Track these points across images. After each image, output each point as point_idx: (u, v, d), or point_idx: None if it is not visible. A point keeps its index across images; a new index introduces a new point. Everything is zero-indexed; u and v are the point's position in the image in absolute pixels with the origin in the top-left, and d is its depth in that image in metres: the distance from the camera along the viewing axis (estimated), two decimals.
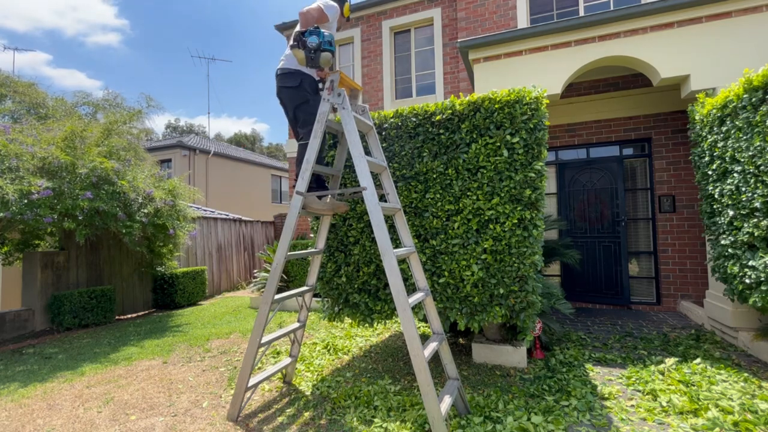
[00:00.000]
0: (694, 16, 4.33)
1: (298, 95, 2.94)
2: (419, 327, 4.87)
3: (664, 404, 2.66)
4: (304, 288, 3.17)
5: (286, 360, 3.26)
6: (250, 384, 2.72)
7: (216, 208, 13.15)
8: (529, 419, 2.50)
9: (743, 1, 4.16)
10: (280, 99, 3.07)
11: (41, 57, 70.20)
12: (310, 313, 5.97)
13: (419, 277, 2.70)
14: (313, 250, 3.20)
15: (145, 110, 6.79)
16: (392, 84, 8.51)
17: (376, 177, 3.19)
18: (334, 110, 2.70)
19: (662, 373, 3.19)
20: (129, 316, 6.80)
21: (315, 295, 6.01)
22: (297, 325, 3.20)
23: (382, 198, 2.84)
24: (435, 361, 3.57)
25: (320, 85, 2.90)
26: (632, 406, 2.71)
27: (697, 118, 4.10)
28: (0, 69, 6.66)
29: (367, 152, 3.01)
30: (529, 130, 3.01)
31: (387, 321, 3.72)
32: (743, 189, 3.29)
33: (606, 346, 4.05)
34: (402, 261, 3.17)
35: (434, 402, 2.14)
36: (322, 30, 2.62)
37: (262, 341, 2.75)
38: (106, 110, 6.83)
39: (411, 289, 3.20)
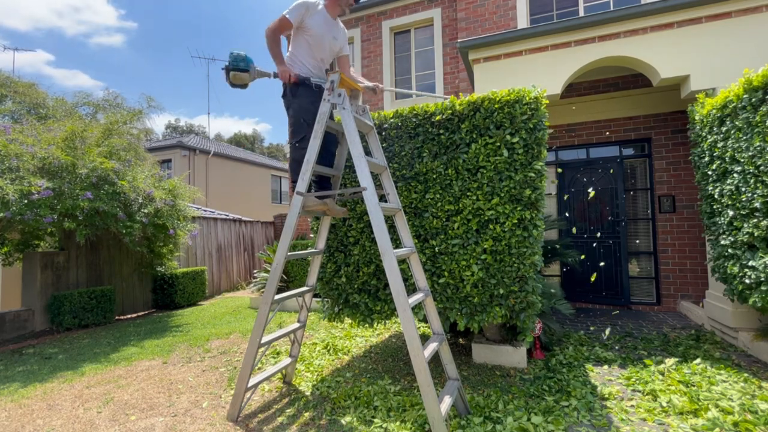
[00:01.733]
0: (693, 17, 4.33)
1: (285, 102, 3.07)
2: (419, 327, 4.87)
3: (664, 404, 2.66)
4: (304, 288, 3.17)
5: (286, 360, 3.26)
6: (250, 384, 2.72)
7: (216, 209, 13.15)
8: (529, 419, 2.50)
9: (743, 2, 4.16)
10: None
11: (44, 57, 70.29)
12: (310, 314, 5.97)
13: (419, 277, 2.70)
14: (313, 250, 3.20)
15: (146, 110, 6.81)
16: (392, 84, 8.51)
17: (376, 177, 3.19)
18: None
19: (662, 374, 3.19)
20: (129, 316, 6.80)
21: (315, 296, 6.00)
22: (297, 325, 3.19)
23: (383, 198, 2.84)
24: (435, 361, 3.57)
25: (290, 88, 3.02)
26: (632, 406, 2.71)
27: (696, 118, 4.10)
28: (0, 69, 6.67)
29: (367, 152, 3.01)
30: (529, 130, 3.01)
31: (387, 321, 3.72)
32: (743, 189, 3.29)
33: (606, 346, 4.04)
34: (402, 261, 3.17)
35: (434, 402, 2.14)
36: (232, 52, 2.93)
37: (262, 341, 2.75)
38: (106, 110, 6.85)
39: (411, 289, 3.19)
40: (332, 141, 3.23)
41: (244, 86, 3.03)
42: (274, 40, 2.93)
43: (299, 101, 2.94)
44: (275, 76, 2.95)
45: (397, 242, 3.28)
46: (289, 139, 3.04)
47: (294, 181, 2.80)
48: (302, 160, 2.74)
